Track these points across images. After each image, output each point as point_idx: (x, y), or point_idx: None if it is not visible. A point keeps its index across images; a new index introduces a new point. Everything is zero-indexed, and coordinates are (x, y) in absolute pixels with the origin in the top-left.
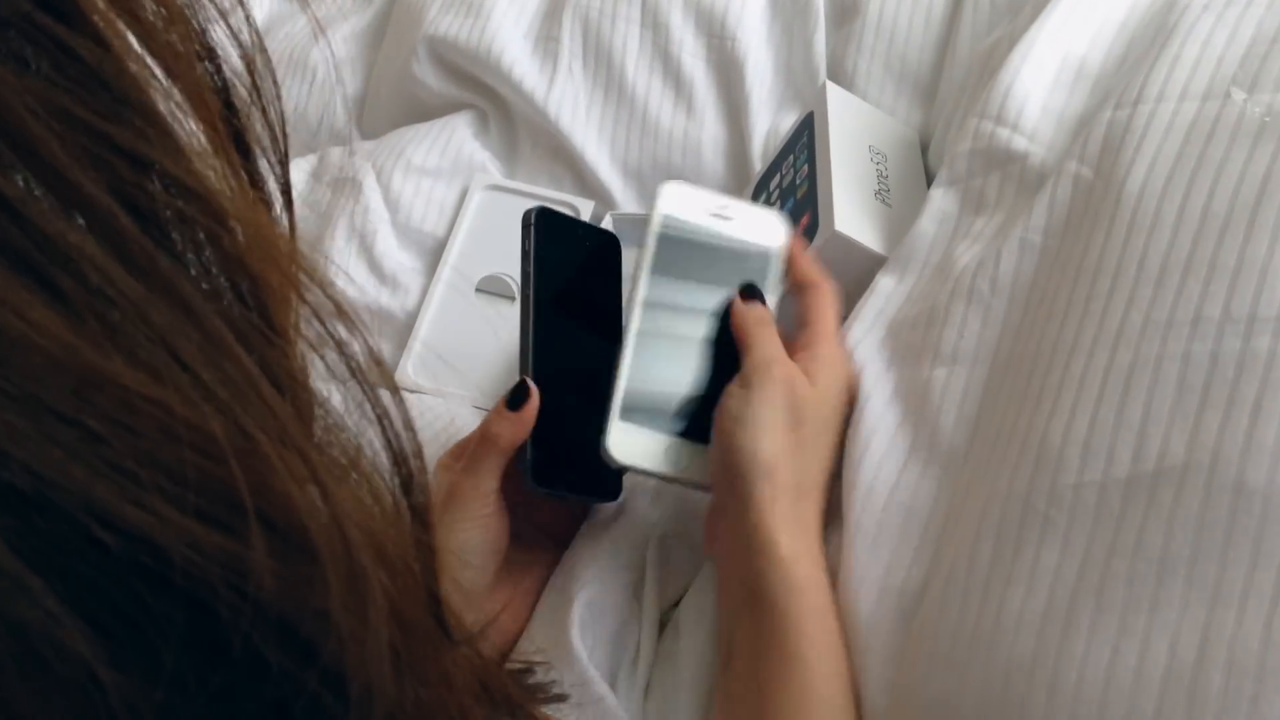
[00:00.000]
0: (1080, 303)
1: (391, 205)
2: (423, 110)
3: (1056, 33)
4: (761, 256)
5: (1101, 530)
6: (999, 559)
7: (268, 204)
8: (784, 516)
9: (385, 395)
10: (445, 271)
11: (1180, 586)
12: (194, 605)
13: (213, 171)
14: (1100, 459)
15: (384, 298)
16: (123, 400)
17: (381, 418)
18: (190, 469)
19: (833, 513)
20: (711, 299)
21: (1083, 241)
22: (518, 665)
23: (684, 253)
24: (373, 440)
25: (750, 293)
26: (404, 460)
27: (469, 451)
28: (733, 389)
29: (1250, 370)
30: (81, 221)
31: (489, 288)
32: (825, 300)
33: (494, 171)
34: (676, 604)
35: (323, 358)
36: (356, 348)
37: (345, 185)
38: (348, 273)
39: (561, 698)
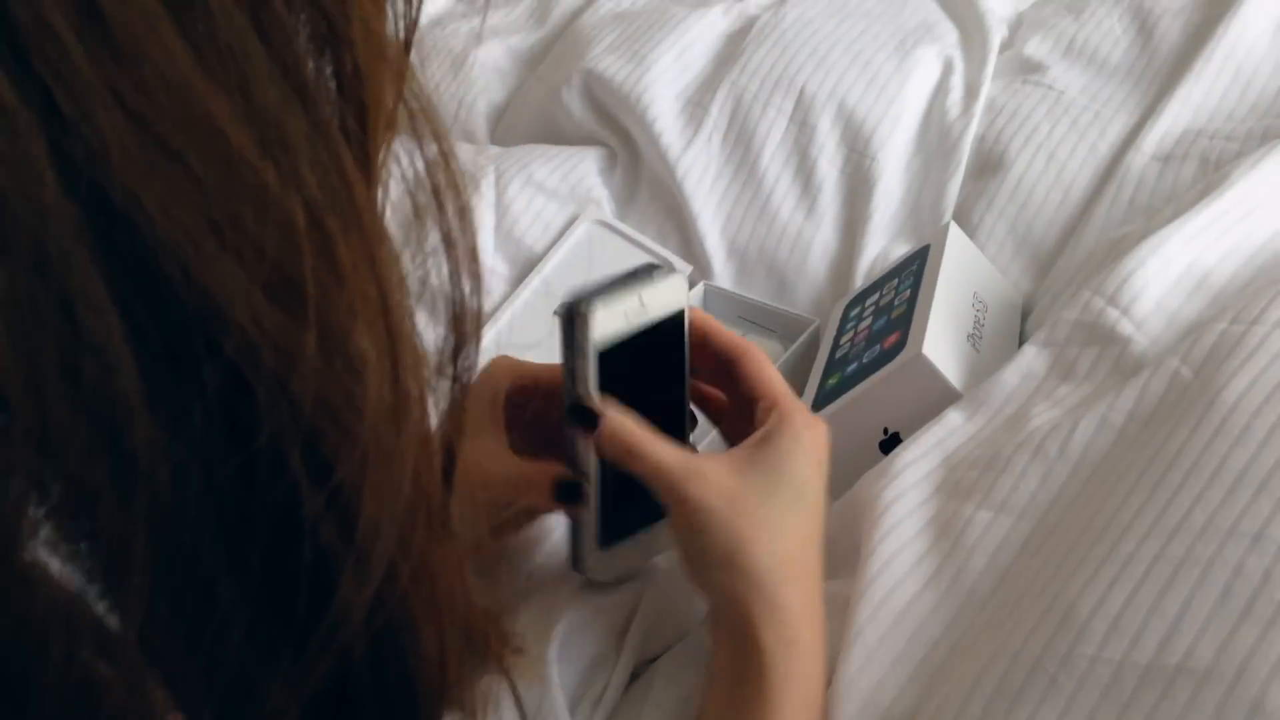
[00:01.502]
0: (1146, 488)
1: (501, 210)
2: (558, 135)
3: (1190, 240)
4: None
5: (1106, 707)
6: (992, 709)
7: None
8: (775, 587)
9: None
10: (532, 283)
11: None
12: (236, 381)
13: None
14: (1125, 640)
15: None
16: (225, 155)
17: (452, 247)
18: (270, 244)
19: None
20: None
21: (1165, 432)
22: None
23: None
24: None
25: (578, 415)
26: (461, 310)
27: (506, 480)
28: (670, 521)
29: None
30: None
31: None
32: (764, 364)
33: (607, 210)
34: (651, 660)
35: (408, 181)
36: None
37: (464, 178)
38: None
39: (520, 650)
